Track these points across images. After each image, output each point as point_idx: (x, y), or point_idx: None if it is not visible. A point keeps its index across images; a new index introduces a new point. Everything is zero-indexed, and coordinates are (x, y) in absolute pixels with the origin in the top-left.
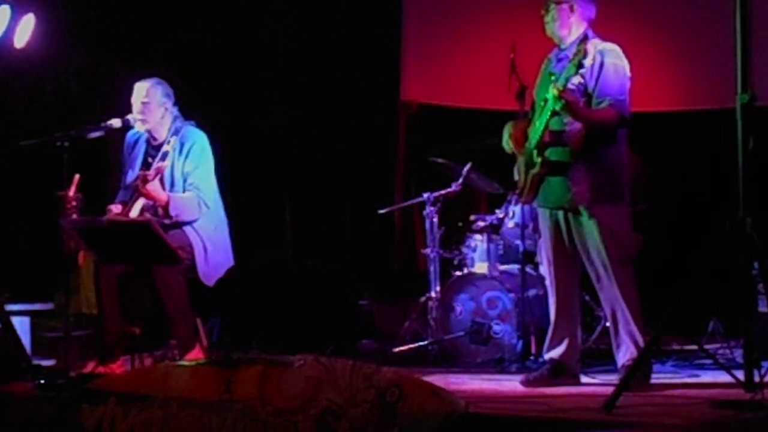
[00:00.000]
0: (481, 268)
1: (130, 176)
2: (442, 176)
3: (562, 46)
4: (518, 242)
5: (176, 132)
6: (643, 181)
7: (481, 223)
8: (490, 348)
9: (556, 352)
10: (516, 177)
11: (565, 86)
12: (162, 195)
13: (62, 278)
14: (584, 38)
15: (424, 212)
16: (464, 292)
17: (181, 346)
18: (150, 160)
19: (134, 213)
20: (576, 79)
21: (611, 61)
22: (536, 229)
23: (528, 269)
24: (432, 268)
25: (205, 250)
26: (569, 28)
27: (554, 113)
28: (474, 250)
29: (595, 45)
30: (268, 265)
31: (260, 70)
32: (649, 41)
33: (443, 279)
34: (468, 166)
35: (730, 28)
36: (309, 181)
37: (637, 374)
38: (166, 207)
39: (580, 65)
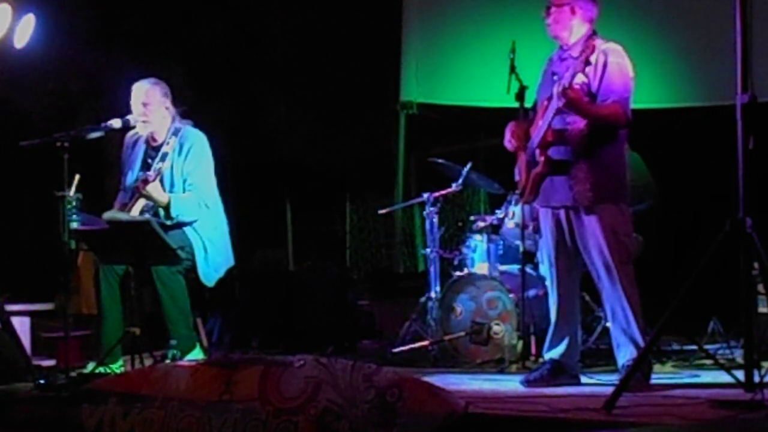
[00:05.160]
0: (481, 268)
1: (130, 177)
2: (442, 176)
3: (565, 47)
4: (518, 242)
5: (175, 133)
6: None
7: (481, 223)
8: (490, 348)
9: (556, 352)
10: (517, 177)
11: (570, 84)
12: (163, 196)
13: (62, 278)
14: (589, 37)
15: (424, 212)
16: (464, 293)
17: (181, 346)
18: (149, 161)
19: (134, 214)
20: (579, 79)
21: (615, 61)
22: (536, 229)
23: (528, 269)
24: (432, 268)
25: (206, 250)
26: (570, 29)
27: (557, 112)
28: (474, 250)
29: (598, 45)
30: (268, 265)
31: (261, 71)
32: (649, 38)
33: (443, 279)
34: (468, 166)
35: (731, 24)
36: (309, 181)
37: (637, 374)
38: (167, 208)
39: (588, 62)
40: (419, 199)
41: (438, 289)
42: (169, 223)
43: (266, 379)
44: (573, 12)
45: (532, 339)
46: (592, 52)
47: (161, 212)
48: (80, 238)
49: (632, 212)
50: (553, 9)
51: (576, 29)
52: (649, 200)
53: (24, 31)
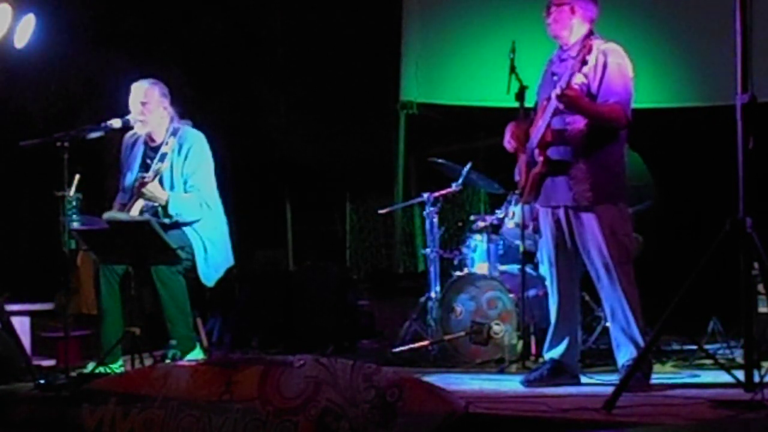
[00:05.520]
0: (481, 268)
1: (129, 178)
2: (442, 176)
3: (564, 47)
4: (518, 242)
5: (174, 133)
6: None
7: (481, 223)
8: (490, 348)
9: (556, 352)
10: (517, 177)
11: (568, 84)
12: (163, 194)
13: (62, 278)
14: (587, 37)
15: (424, 212)
16: (464, 293)
17: (181, 346)
18: (148, 161)
19: (134, 214)
20: (579, 79)
21: (615, 61)
22: (536, 229)
23: (528, 269)
24: (432, 268)
25: (205, 250)
26: (570, 29)
27: (556, 112)
28: (474, 250)
29: (598, 45)
30: (268, 265)
31: (261, 71)
32: (649, 38)
33: (443, 279)
34: (468, 166)
35: (731, 24)
36: (309, 181)
37: (637, 374)
38: (165, 206)
39: (585, 61)
40: (419, 199)
41: (438, 289)
42: (168, 221)
43: (266, 379)
44: (573, 11)
45: (532, 339)
46: (589, 51)
47: (161, 212)
48: (80, 238)
49: (632, 212)
50: (553, 8)
51: (576, 29)
52: (649, 200)
53: (24, 31)
